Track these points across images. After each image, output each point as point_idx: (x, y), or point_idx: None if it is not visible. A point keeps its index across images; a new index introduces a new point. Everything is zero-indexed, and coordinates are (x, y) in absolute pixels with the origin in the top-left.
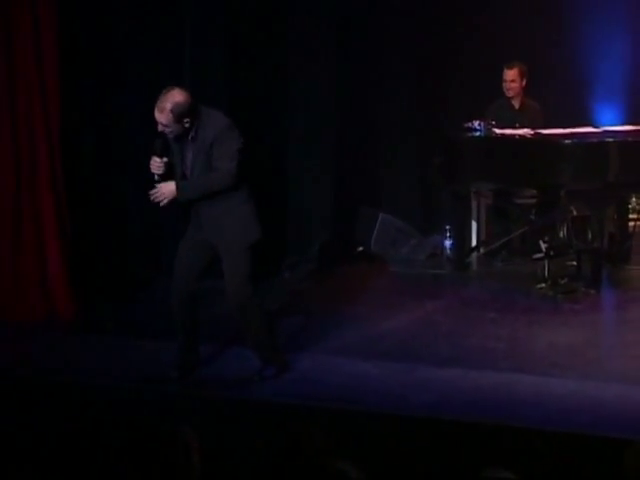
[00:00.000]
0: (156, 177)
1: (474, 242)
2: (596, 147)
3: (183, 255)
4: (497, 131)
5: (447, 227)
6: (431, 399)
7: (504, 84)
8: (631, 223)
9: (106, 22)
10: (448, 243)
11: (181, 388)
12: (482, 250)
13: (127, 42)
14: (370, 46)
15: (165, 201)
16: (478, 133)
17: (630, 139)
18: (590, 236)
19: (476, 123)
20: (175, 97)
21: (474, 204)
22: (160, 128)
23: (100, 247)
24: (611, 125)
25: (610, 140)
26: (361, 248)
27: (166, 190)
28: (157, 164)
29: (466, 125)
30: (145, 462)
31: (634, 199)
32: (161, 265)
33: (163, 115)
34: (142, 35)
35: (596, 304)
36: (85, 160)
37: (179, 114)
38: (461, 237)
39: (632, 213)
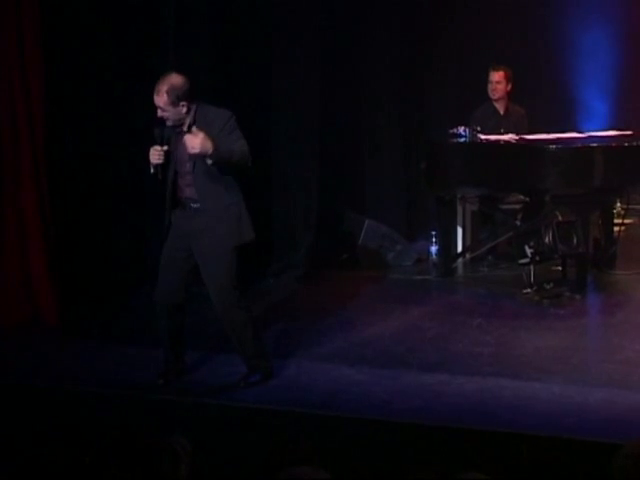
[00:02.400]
0: (152, 169)
1: (460, 248)
2: (581, 152)
3: (167, 263)
4: (482, 137)
5: (433, 233)
6: (417, 405)
7: (489, 85)
8: (616, 228)
9: (89, 28)
10: (434, 249)
11: (166, 395)
12: (468, 255)
13: (111, 44)
14: (354, 51)
15: (197, 150)
16: (463, 139)
17: (614, 144)
18: (575, 241)
19: (461, 129)
20: (172, 80)
21: (459, 210)
22: (159, 113)
23: (84, 251)
24: (596, 130)
25: (595, 145)
26: (346, 254)
27: (203, 139)
28: (158, 153)
29: (451, 131)
30: (131, 470)
31: (619, 204)
32: (146, 270)
33: (160, 97)
34: (125, 40)
35: (581, 309)
36: (69, 162)
37: (176, 96)
38: (447, 243)
39: (617, 218)
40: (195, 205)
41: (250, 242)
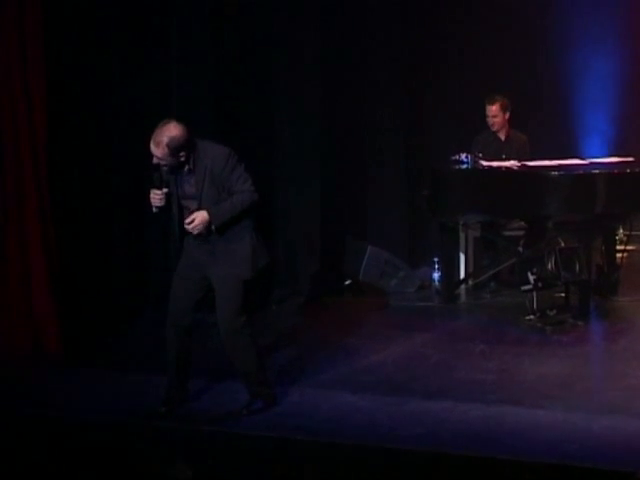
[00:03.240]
0: (154, 209)
1: (462, 274)
2: (583, 179)
3: (178, 289)
4: (484, 163)
5: (435, 259)
6: (420, 432)
7: (487, 119)
8: (618, 255)
9: (91, 29)
10: (436, 275)
11: (169, 422)
12: (470, 282)
13: (113, 45)
14: (357, 78)
15: (201, 229)
16: (465, 165)
17: (616, 171)
18: (578, 268)
19: (463, 155)
20: (171, 131)
21: (462, 236)
22: (155, 161)
23: (87, 279)
24: (598, 157)
25: (597, 172)
26: (349, 281)
27: (201, 218)
28: (158, 196)
29: (453, 157)
30: None
31: (621, 231)
32: (148, 298)
33: (159, 149)
34: (128, 41)
35: (584, 336)
36: (72, 192)
37: (174, 148)
38: (449, 269)
39: (619, 245)
40: (206, 237)
41: (267, 266)
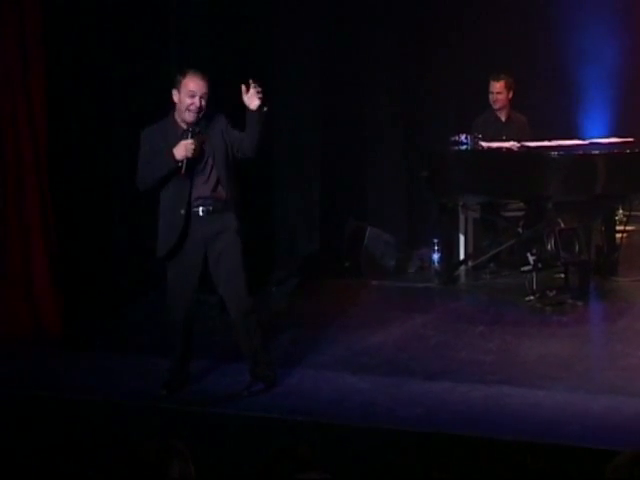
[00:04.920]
0: (179, 163)
1: (462, 255)
2: (583, 159)
3: (181, 273)
4: (484, 144)
5: (435, 240)
6: (420, 412)
7: (490, 96)
8: (618, 235)
9: (91, 27)
10: (436, 256)
11: (169, 404)
12: (470, 263)
13: (112, 43)
14: (357, 60)
15: (258, 103)
16: (465, 146)
17: (616, 151)
18: (577, 248)
19: (462, 136)
20: None
21: (461, 217)
22: (198, 102)
23: (87, 262)
24: (597, 137)
25: (597, 152)
26: (348, 262)
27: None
28: (191, 145)
29: (453, 138)
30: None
31: (621, 211)
32: (148, 281)
33: (205, 82)
34: (127, 39)
35: (584, 316)
36: (71, 176)
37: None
38: (449, 250)
39: (619, 225)
40: (209, 207)
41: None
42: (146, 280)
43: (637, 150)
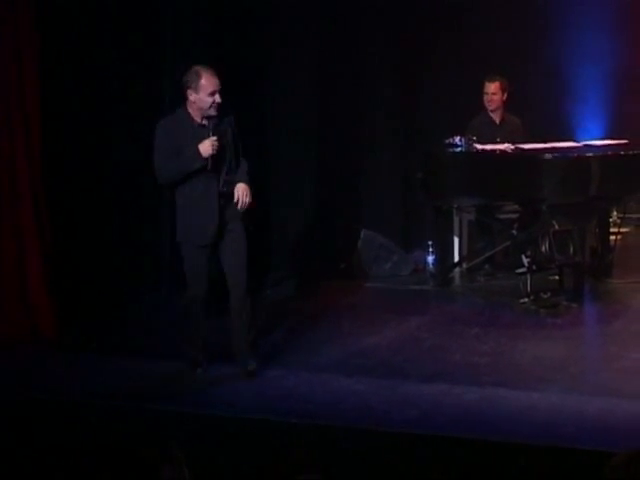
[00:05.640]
0: (203, 161)
1: (457, 257)
2: (577, 162)
3: (198, 264)
4: (478, 146)
5: (429, 243)
6: (415, 415)
7: (485, 97)
8: (612, 237)
9: (86, 31)
10: (431, 259)
11: (165, 406)
12: (465, 265)
13: (108, 46)
14: (353, 61)
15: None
16: (459, 149)
17: (610, 153)
18: (572, 250)
19: (457, 139)
20: None
21: (456, 219)
22: (211, 100)
23: (83, 264)
24: (592, 139)
25: (591, 155)
26: (344, 264)
27: (245, 191)
28: (215, 143)
29: (447, 140)
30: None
31: (615, 213)
32: (144, 283)
33: (219, 80)
34: (123, 42)
35: (578, 318)
36: (67, 175)
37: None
38: (444, 253)
39: (613, 227)
40: (226, 197)
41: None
42: (142, 282)
43: (631, 152)
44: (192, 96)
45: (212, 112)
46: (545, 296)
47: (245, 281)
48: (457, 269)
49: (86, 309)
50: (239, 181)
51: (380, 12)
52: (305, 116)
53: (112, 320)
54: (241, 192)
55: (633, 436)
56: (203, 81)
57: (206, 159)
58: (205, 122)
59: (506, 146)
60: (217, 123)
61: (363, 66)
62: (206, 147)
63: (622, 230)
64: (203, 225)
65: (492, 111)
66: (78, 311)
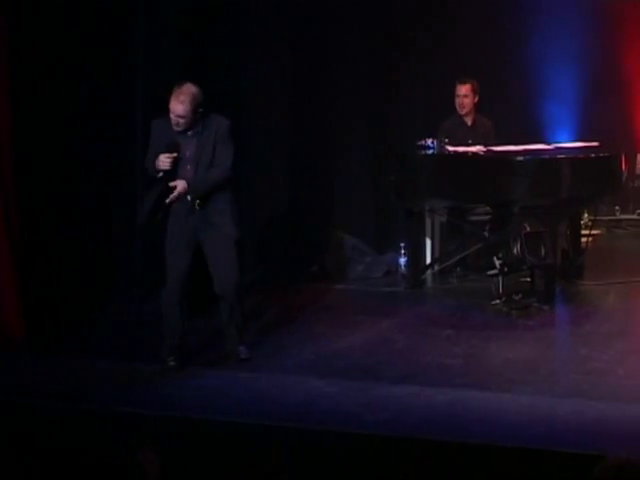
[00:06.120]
0: (160, 174)
1: (429, 259)
2: (548, 164)
3: (174, 255)
4: (450, 148)
5: (402, 245)
6: (386, 417)
7: (457, 99)
8: (584, 239)
9: (58, 46)
10: (403, 260)
11: (135, 408)
12: (437, 267)
13: (79, 51)
14: (323, 63)
15: (175, 197)
16: (431, 151)
17: (581, 156)
18: (543, 252)
19: (429, 141)
20: (192, 88)
21: (428, 221)
22: (175, 120)
23: (53, 265)
24: (563, 142)
25: (562, 157)
26: (316, 267)
27: (182, 187)
28: (169, 160)
29: (419, 143)
30: None
31: (586, 215)
32: (116, 284)
33: (183, 106)
34: (94, 46)
35: (550, 320)
36: (38, 176)
37: (196, 104)
38: (416, 254)
39: (584, 229)
40: (204, 207)
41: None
42: (113, 283)
43: (602, 154)
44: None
45: (176, 128)
46: (516, 298)
47: (234, 278)
48: (429, 271)
49: (56, 310)
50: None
51: (353, 13)
52: (276, 117)
53: (82, 321)
54: (180, 187)
55: (604, 437)
56: (170, 99)
57: (159, 171)
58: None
59: (478, 148)
60: (200, 132)
61: (335, 67)
62: (158, 162)
63: (593, 232)
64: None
65: (464, 114)
66: (48, 312)
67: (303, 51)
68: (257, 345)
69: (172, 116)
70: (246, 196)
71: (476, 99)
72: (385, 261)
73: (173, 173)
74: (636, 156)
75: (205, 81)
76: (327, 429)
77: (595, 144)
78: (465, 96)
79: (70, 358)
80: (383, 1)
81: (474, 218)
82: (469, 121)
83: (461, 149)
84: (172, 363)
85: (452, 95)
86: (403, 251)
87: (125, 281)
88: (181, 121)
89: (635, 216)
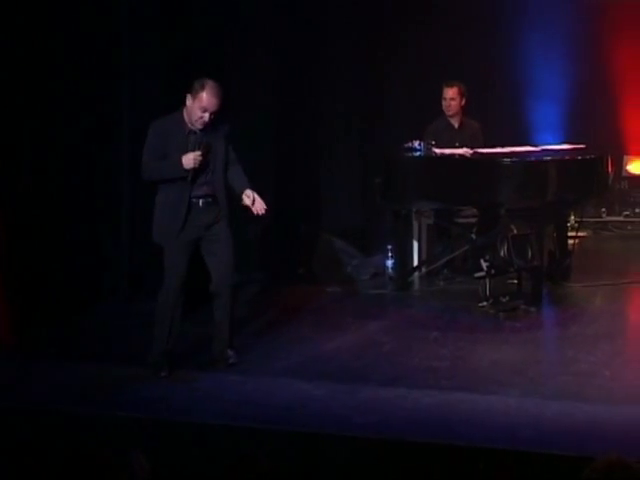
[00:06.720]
0: (185, 173)
1: (416, 261)
2: (535, 166)
3: (180, 254)
4: (437, 151)
5: (389, 247)
6: (374, 419)
7: (444, 102)
8: (570, 241)
9: (41, 42)
10: (390, 263)
11: (124, 412)
12: (424, 269)
13: (65, 51)
14: (310, 64)
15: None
16: (418, 153)
17: (568, 158)
18: (530, 254)
19: (416, 143)
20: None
21: (415, 224)
22: (206, 118)
23: (40, 270)
24: (549, 144)
25: (548, 159)
26: (303, 269)
27: (258, 198)
28: (198, 157)
29: (406, 145)
30: None
31: (573, 217)
32: (102, 289)
33: (218, 101)
34: (76, 49)
35: (537, 322)
36: (22, 181)
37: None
38: (403, 257)
39: (571, 231)
40: (209, 200)
41: None
42: (101, 286)
43: (588, 157)
44: (189, 102)
45: (197, 126)
46: (504, 300)
47: (231, 280)
48: (416, 273)
49: (44, 314)
50: (243, 187)
51: (340, 13)
52: (262, 119)
53: (70, 325)
54: (257, 201)
55: (591, 439)
56: (203, 94)
57: (187, 171)
58: (197, 130)
59: (465, 150)
60: (209, 132)
61: (322, 69)
62: (188, 160)
63: (580, 234)
64: (166, 226)
65: (451, 116)
66: (36, 316)
67: (289, 52)
68: (245, 348)
69: (200, 112)
70: (233, 198)
71: (463, 102)
72: (372, 263)
73: (193, 177)
74: (622, 158)
75: (190, 82)
76: (315, 432)
77: (582, 146)
78: (452, 99)
79: (56, 361)
80: (371, 3)
81: (461, 220)
82: (456, 123)
83: (448, 151)
84: (163, 374)
85: (439, 97)
86: (390, 253)
87: (113, 284)
88: (211, 117)
89: (621, 218)
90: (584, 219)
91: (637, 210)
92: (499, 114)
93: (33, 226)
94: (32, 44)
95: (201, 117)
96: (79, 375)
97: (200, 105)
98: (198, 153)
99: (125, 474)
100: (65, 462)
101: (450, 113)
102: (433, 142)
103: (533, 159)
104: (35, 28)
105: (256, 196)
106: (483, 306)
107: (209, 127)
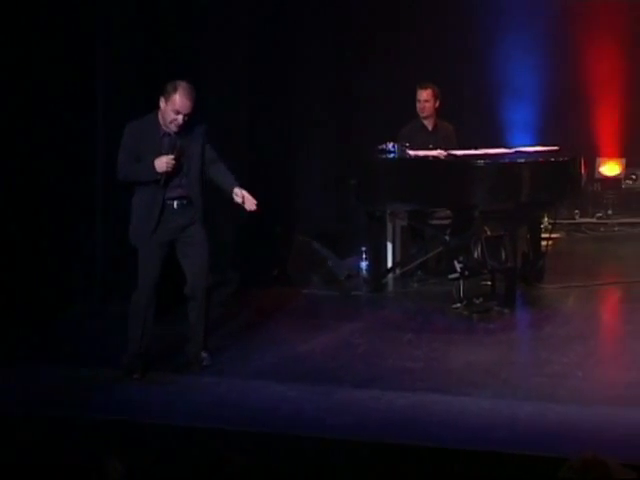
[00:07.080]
0: (158, 176)
1: (390, 263)
2: (508, 168)
3: (153, 257)
4: (411, 152)
5: (363, 248)
6: (348, 421)
7: (418, 104)
8: (544, 242)
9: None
10: (364, 264)
11: (98, 415)
12: (398, 271)
13: (38, 51)
14: (286, 65)
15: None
16: (392, 155)
17: (541, 160)
18: (504, 256)
19: (390, 145)
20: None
21: (389, 225)
22: (180, 120)
23: (11, 272)
24: (523, 146)
25: (522, 161)
26: (277, 271)
27: (248, 195)
28: (171, 162)
29: (380, 147)
30: None
31: (546, 219)
32: (73, 292)
33: (192, 103)
34: (53, 54)
35: (510, 323)
36: None
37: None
38: (377, 258)
39: (545, 233)
40: (184, 202)
41: None
42: (72, 290)
43: (562, 159)
44: (162, 104)
45: (171, 128)
46: (477, 301)
47: (205, 281)
48: (390, 275)
49: (16, 317)
50: (232, 186)
51: (314, 13)
52: (236, 119)
53: (42, 328)
54: (247, 199)
55: (564, 440)
56: (176, 96)
57: (160, 174)
58: (171, 132)
59: (438, 152)
60: (184, 134)
61: (297, 70)
62: (161, 164)
63: (553, 236)
64: (141, 227)
65: (425, 118)
66: (7, 319)
67: (265, 52)
68: (219, 350)
69: (173, 115)
70: (207, 200)
71: (437, 104)
72: (346, 265)
73: (166, 180)
74: (595, 160)
75: (164, 80)
76: (289, 433)
77: (555, 148)
78: (426, 101)
79: (29, 364)
80: (344, 3)
81: (435, 222)
82: (430, 125)
83: (422, 153)
84: (136, 376)
85: (413, 99)
86: (364, 255)
87: (84, 285)
88: (184, 119)
89: (594, 220)
90: (557, 221)
91: (610, 212)
92: (473, 116)
93: (4, 228)
94: (6, 44)
95: (175, 119)
96: (52, 378)
97: (173, 108)
98: (171, 157)
99: (98, 477)
100: (39, 467)
101: (424, 115)
102: (407, 144)
103: (507, 161)
104: (9, 28)
105: (245, 193)
106: (457, 307)
107: (184, 129)
